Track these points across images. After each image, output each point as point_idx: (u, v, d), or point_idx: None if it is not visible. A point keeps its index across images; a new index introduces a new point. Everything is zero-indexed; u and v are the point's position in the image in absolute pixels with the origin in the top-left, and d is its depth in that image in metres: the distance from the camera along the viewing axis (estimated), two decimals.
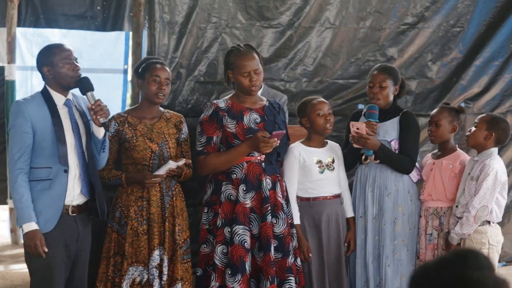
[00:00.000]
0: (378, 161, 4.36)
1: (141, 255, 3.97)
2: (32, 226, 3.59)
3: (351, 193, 4.52)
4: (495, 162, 4.19)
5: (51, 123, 3.67)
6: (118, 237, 4.02)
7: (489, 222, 4.19)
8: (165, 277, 3.95)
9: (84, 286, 3.88)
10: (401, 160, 4.36)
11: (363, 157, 4.39)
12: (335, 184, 4.34)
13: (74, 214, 3.73)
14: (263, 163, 4.05)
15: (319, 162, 4.29)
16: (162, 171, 3.96)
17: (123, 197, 4.04)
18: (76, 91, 3.86)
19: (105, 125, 3.76)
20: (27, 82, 7.39)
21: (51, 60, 3.72)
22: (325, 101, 4.37)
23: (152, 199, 3.99)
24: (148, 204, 3.99)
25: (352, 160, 4.50)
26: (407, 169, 4.39)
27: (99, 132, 3.78)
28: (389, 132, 4.40)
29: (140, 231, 3.97)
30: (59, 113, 3.71)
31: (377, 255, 4.37)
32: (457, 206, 4.24)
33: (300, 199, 4.31)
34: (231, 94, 4.18)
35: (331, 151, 4.38)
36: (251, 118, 4.05)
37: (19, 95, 7.09)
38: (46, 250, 3.60)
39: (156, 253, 3.96)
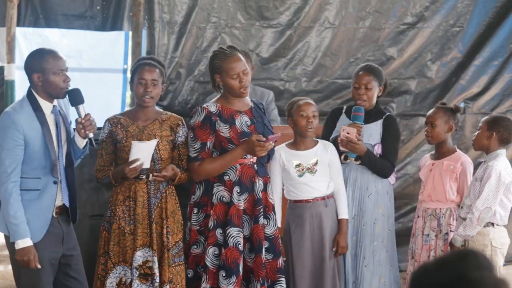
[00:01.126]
0: (358, 162, 4.34)
1: (127, 255, 3.95)
2: (27, 242, 3.57)
3: None
4: (499, 163, 4.13)
5: (41, 134, 3.59)
6: (108, 235, 4.02)
7: (493, 224, 4.16)
8: (157, 279, 3.93)
9: (85, 283, 3.87)
10: (383, 165, 4.34)
11: (343, 157, 4.36)
12: (320, 187, 4.24)
13: (56, 216, 3.70)
14: (255, 165, 4.04)
15: (298, 165, 4.24)
16: (132, 155, 3.87)
17: (114, 197, 4.04)
18: None
19: (89, 140, 3.73)
20: (27, 82, 7.37)
21: (43, 68, 3.61)
22: (312, 102, 4.29)
23: (138, 200, 3.96)
24: (134, 204, 3.98)
25: None
26: (387, 174, 4.38)
27: (82, 143, 3.75)
28: (373, 135, 4.36)
29: (127, 231, 3.95)
30: (48, 123, 3.64)
31: (354, 255, 4.34)
32: (462, 207, 4.22)
33: (288, 200, 4.30)
34: (217, 97, 4.14)
35: (318, 153, 4.27)
36: (243, 121, 4.03)
37: (19, 95, 7.08)
38: (39, 266, 3.60)
39: (139, 254, 3.92)
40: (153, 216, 3.96)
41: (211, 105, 4.04)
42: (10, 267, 6.26)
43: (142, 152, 3.89)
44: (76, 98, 3.70)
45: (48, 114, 3.66)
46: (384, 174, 4.37)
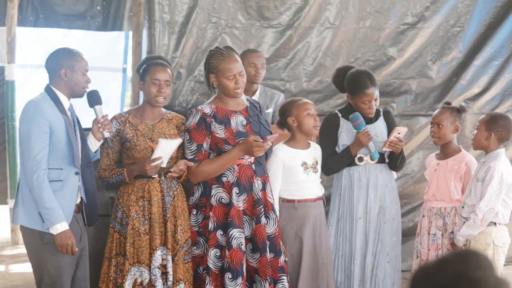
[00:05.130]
0: (374, 161, 4.37)
1: (143, 255, 3.93)
2: (65, 225, 3.60)
3: (337, 195, 4.47)
4: (501, 164, 4.14)
5: (64, 124, 3.65)
6: (120, 237, 4.00)
7: (494, 223, 4.17)
8: (171, 277, 3.93)
9: (87, 286, 3.88)
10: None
11: (357, 159, 4.37)
12: (318, 186, 4.30)
13: (75, 214, 3.74)
14: (253, 165, 4.04)
15: (304, 164, 4.26)
16: (157, 152, 3.87)
17: (124, 197, 4.02)
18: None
19: (105, 140, 3.80)
20: (27, 82, 7.39)
21: (72, 65, 3.70)
22: (311, 102, 4.34)
23: (153, 199, 3.96)
24: (149, 204, 3.96)
25: (343, 164, 4.43)
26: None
27: (94, 146, 3.81)
28: (383, 133, 4.42)
29: (141, 231, 3.95)
30: (68, 115, 3.71)
31: (374, 252, 4.37)
32: (463, 207, 4.23)
33: (283, 201, 4.26)
34: (212, 98, 4.13)
35: (314, 153, 4.32)
36: (238, 121, 4.02)
37: (19, 95, 7.09)
38: (76, 249, 3.65)
39: (158, 253, 3.93)
40: (168, 215, 3.97)
41: (206, 107, 4.03)
42: (10, 267, 6.28)
43: (167, 149, 3.89)
44: (94, 99, 3.80)
45: (66, 110, 3.73)
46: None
